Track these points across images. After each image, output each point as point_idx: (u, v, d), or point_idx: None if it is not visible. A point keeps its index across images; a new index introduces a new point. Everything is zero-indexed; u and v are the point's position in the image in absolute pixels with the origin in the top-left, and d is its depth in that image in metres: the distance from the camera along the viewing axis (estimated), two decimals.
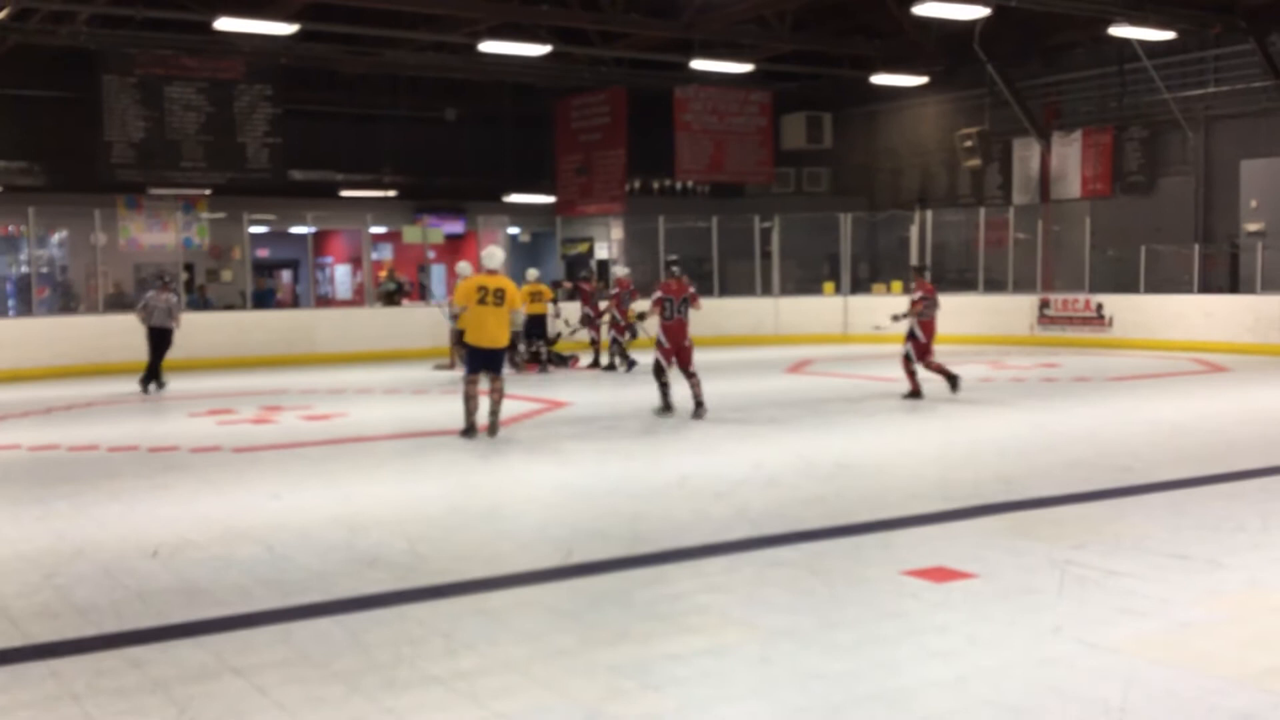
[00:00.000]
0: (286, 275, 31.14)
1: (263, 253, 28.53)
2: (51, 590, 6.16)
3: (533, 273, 19.97)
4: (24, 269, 23.96)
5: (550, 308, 19.62)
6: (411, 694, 4.57)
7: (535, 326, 18.63)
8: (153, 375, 16.52)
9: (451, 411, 13.76)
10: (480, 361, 11.33)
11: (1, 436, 12.16)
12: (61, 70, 23.52)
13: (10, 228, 24.51)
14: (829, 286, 26.46)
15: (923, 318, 13.79)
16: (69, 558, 6.85)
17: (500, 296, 11.16)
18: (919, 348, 13.78)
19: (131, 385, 16.46)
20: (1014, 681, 4.57)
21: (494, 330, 11.22)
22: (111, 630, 5.47)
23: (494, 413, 11.36)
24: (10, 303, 25.61)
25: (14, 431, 12.46)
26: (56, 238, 24.82)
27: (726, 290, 26.10)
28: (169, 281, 16.93)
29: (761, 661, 4.86)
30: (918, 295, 13.90)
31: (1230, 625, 5.24)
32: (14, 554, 6.99)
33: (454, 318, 16.54)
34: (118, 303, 23.03)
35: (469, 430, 11.27)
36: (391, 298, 24.96)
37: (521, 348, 18.24)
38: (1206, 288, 21.92)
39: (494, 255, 11.57)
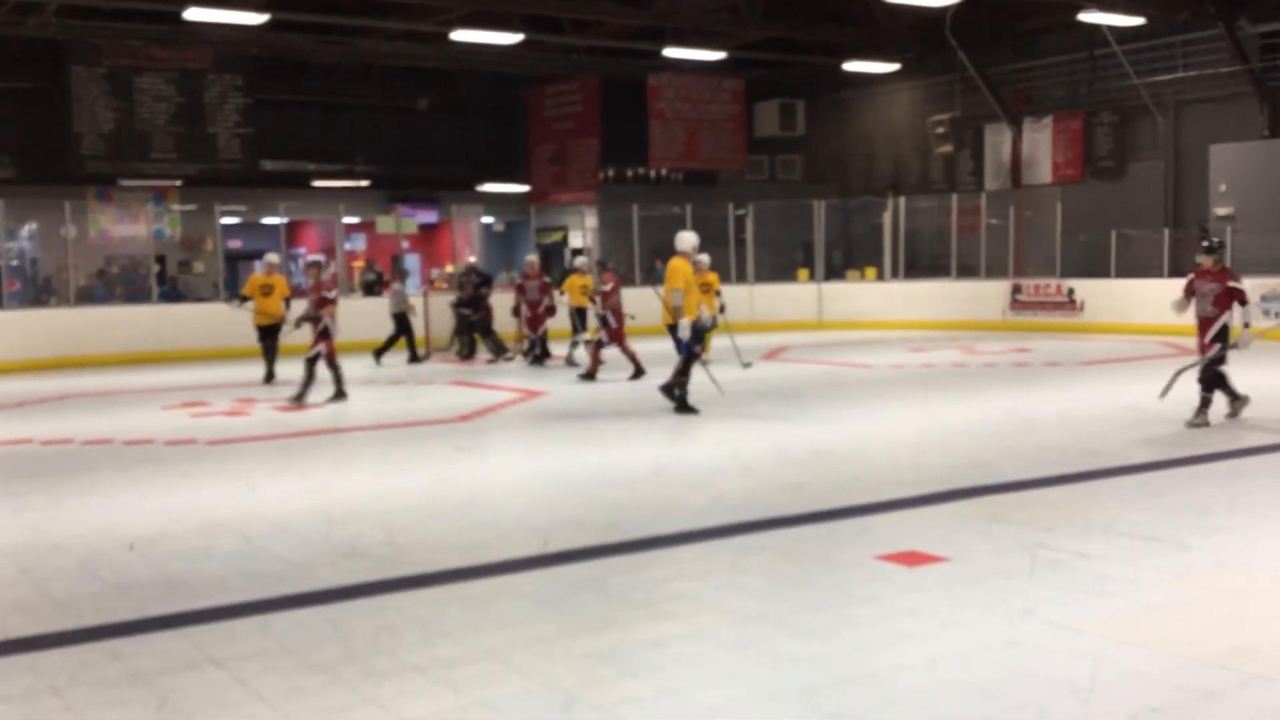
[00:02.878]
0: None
1: (235, 244, 28.37)
2: (29, 584, 6.17)
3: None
4: None
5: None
6: (392, 683, 4.61)
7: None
8: (385, 350, 18.67)
9: (429, 403, 13.78)
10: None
11: None
12: (29, 61, 23.30)
13: None
14: (803, 273, 26.55)
15: (614, 306, 15.46)
16: (46, 551, 6.85)
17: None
18: (612, 333, 15.38)
19: (104, 378, 16.44)
20: (984, 663, 4.64)
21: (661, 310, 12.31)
22: (91, 623, 5.48)
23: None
24: None
25: None
26: (26, 230, 24.61)
27: None
28: (399, 273, 19.86)
29: (737, 646, 4.92)
30: (608, 286, 15.58)
31: (1197, 605, 5.34)
32: None
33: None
34: (89, 295, 22.89)
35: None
36: (371, 288, 24.90)
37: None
38: (1177, 272, 22.02)
39: (692, 239, 12.42)
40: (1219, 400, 10.43)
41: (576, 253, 29.98)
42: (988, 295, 23.83)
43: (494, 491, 8.45)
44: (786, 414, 12.04)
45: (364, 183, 27.64)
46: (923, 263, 26.03)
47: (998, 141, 26.02)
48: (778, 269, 26.88)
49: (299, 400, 13.38)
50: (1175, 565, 5.96)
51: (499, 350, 18.66)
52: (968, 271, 24.71)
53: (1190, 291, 10.46)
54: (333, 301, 13.56)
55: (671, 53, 23.82)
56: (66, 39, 21.92)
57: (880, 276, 26.08)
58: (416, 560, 6.46)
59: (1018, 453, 9.37)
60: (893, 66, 25.36)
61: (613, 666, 4.71)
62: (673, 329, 11.88)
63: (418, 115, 28.62)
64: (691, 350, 11.95)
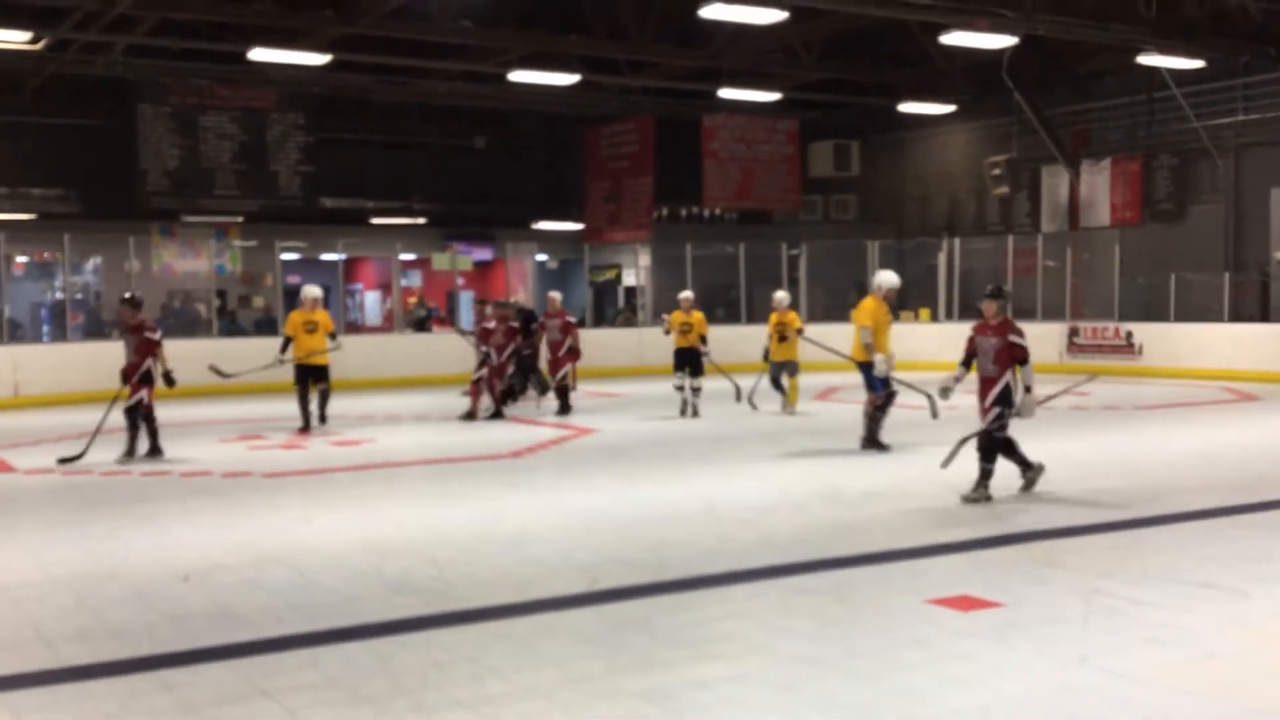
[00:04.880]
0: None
1: (294, 279, 28.71)
2: (85, 613, 6.25)
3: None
4: (59, 295, 24.24)
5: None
6: (438, 718, 4.61)
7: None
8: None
9: (481, 439, 13.83)
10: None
11: (36, 460, 12.31)
12: (97, 100, 23.88)
13: (45, 254, 24.84)
14: None
15: (497, 344, 15.86)
16: (102, 581, 6.94)
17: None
18: (493, 370, 15.75)
19: (163, 410, 16.63)
20: (1037, 711, 4.57)
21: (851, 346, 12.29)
22: (144, 653, 5.55)
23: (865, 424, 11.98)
24: (45, 328, 25.91)
25: (48, 456, 12.61)
26: (91, 264, 25.11)
27: (754, 317, 26.07)
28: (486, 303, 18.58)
29: (785, 688, 4.88)
30: (492, 324, 15.92)
31: (1256, 655, 5.23)
32: (48, 577, 7.08)
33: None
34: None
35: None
36: (422, 325, 25.13)
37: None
38: (1237, 316, 21.79)
39: (887, 279, 12.38)
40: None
41: (630, 291, 30.12)
42: (1044, 338, 23.55)
43: (543, 528, 8.46)
44: (838, 453, 11.96)
45: (421, 220, 27.94)
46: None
47: (1055, 183, 25.83)
48: (831, 309, 26.75)
49: (130, 456, 12.02)
50: (1234, 613, 5.85)
51: (542, 388, 17.83)
52: (1024, 314, 24.40)
53: (971, 350, 9.41)
54: (157, 344, 12.06)
55: (726, 93, 23.94)
56: (134, 78, 22.40)
57: (935, 318, 25.91)
58: (465, 596, 6.48)
59: (1073, 498, 9.24)
60: (948, 108, 25.30)
61: (659, 706, 4.69)
62: (863, 366, 11.88)
63: (475, 154, 28.94)
64: (888, 388, 11.89)
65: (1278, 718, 4.44)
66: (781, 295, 16.23)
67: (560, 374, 16.46)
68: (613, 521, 8.59)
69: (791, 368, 15.83)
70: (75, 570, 7.23)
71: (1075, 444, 12.63)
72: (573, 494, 9.97)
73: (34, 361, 19.98)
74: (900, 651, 5.34)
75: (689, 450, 12.40)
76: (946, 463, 9.27)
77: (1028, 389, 8.99)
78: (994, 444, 9.09)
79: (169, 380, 12.34)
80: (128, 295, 12.72)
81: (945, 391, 9.52)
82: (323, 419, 14.82)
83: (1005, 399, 9.08)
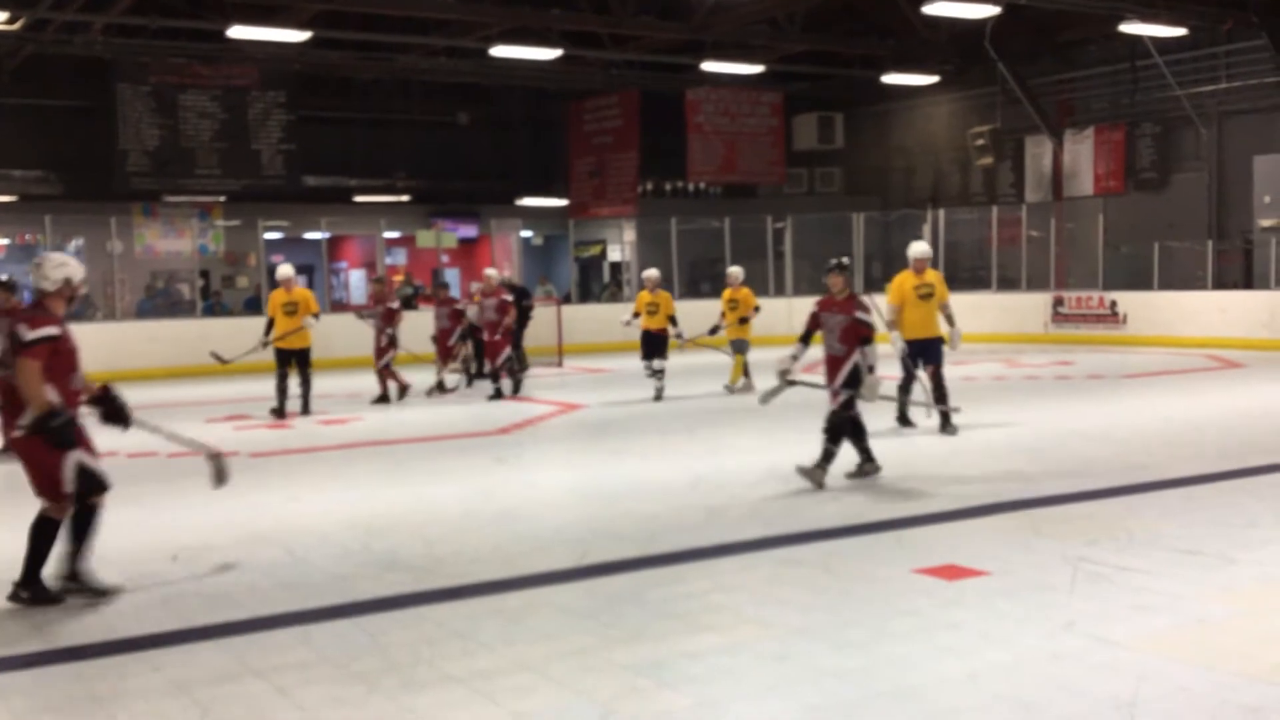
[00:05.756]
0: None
1: (277, 258, 28.60)
2: (74, 594, 6.23)
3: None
4: None
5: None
6: (430, 694, 4.63)
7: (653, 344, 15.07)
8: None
9: (468, 416, 13.83)
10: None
11: None
12: (77, 80, 23.70)
13: (27, 236, 24.70)
14: None
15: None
16: (91, 563, 6.91)
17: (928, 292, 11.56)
18: (381, 350, 15.52)
19: (149, 392, 16.62)
20: (1026, 677, 4.60)
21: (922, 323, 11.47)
22: (134, 633, 5.54)
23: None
24: None
25: None
26: (73, 246, 24.95)
27: None
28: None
29: (776, 659, 4.91)
30: (396, 305, 16.04)
31: (1243, 620, 5.27)
32: None
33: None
34: (136, 310, 23.19)
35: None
36: (409, 302, 25.04)
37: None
38: (1220, 284, 21.89)
39: (911, 249, 11.95)
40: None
41: (615, 266, 30.10)
42: (1029, 308, 23.67)
43: (532, 503, 8.46)
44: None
45: (404, 198, 27.85)
46: (963, 275, 25.88)
47: (1038, 153, 25.86)
48: (816, 282, 26.77)
49: None
50: (1220, 579, 5.89)
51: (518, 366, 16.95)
52: (1008, 284, 24.54)
53: (813, 325, 8.93)
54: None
55: (710, 67, 23.86)
56: (113, 57, 22.24)
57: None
58: (455, 572, 6.48)
59: (1059, 466, 9.29)
60: (932, 79, 25.28)
61: (651, 678, 4.71)
62: (908, 344, 11.43)
63: (458, 130, 28.83)
64: (908, 368, 11.32)
65: (1264, 683, 4.47)
66: (734, 270, 15.86)
67: (502, 357, 15.31)
68: (601, 496, 8.60)
69: (741, 345, 15.30)
70: (63, 552, 7.20)
71: (1060, 412, 12.69)
72: (561, 469, 9.98)
73: None
74: (889, 621, 5.37)
75: (676, 425, 12.42)
76: (765, 399, 9.50)
77: (871, 369, 8.56)
78: (840, 425, 8.68)
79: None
80: (2, 278, 12.01)
81: (783, 374, 9.07)
82: (306, 409, 14.01)
83: (855, 380, 8.61)
